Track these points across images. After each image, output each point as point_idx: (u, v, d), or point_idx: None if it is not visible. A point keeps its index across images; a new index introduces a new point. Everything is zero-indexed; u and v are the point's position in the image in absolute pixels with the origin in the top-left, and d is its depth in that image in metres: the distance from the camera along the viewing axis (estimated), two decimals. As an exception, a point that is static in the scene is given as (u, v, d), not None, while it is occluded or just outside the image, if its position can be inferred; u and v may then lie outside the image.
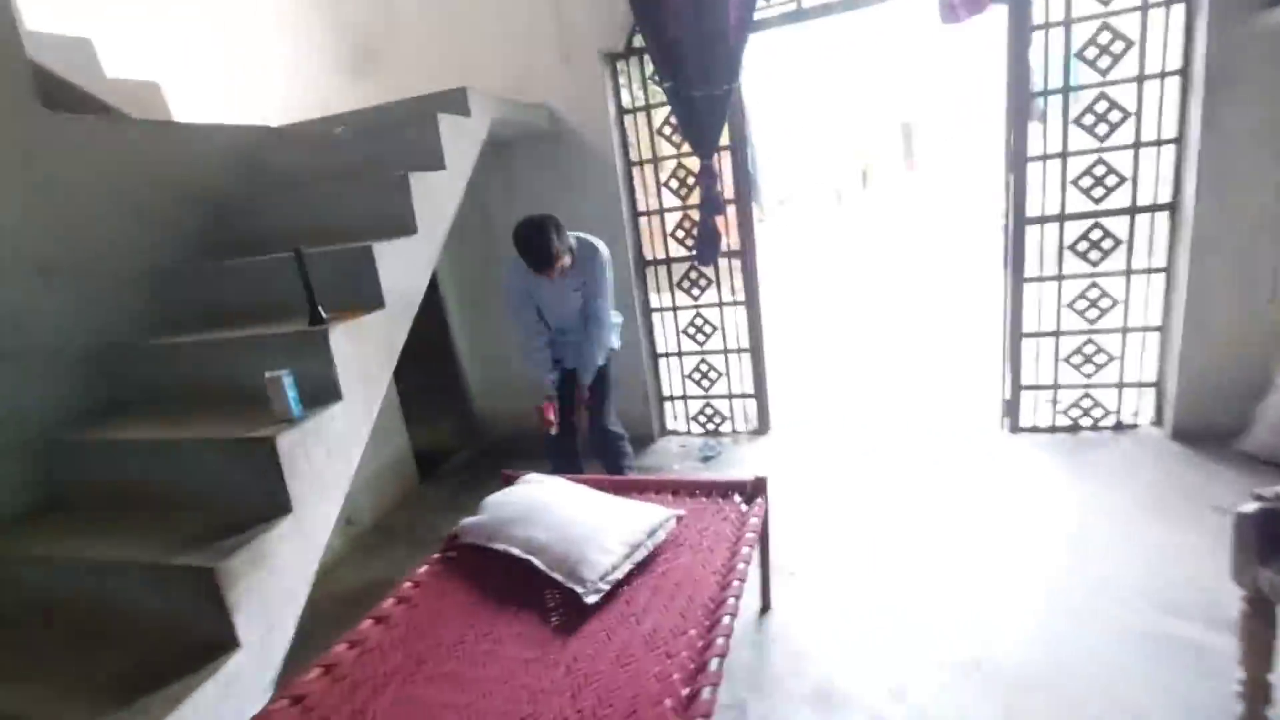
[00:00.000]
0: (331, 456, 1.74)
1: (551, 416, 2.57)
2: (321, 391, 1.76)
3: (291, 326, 1.83)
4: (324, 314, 1.80)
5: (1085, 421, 2.92)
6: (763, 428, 3.42)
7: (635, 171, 3.24)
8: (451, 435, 3.81)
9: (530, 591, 1.69)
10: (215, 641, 1.47)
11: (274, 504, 1.61)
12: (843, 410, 3.57)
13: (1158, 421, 2.81)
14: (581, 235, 2.47)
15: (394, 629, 1.65)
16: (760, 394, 3.40)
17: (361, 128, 2.63)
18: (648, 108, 3.17)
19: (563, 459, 2.66)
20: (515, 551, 1.76)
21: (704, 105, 2.83)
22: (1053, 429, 2.95)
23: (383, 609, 1.72)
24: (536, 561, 1.71)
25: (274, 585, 1.57)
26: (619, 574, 1.69)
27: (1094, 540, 2.20)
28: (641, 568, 1.75)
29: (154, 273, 2.20)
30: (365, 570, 2.65)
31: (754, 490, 2.08)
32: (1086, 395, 2.91)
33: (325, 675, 1.49)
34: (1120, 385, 2.85)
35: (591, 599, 1.61)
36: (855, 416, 3.47)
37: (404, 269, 2.02)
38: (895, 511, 2.54)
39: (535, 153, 3.22)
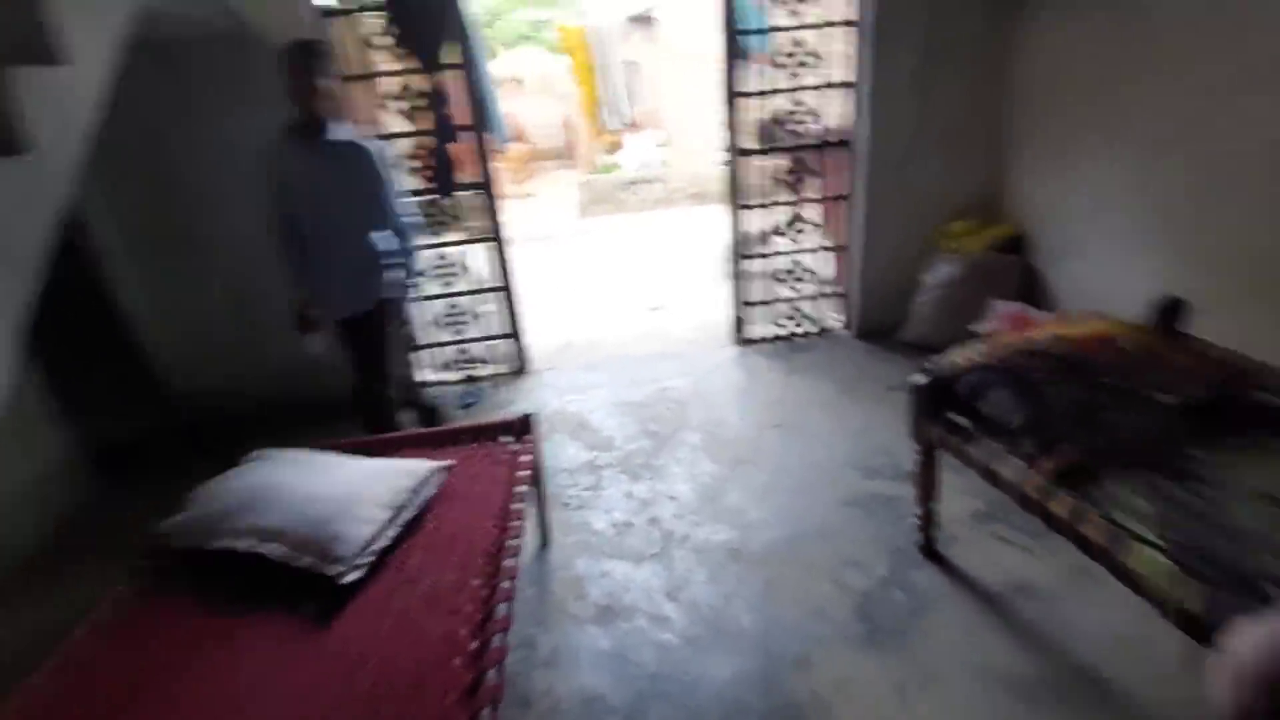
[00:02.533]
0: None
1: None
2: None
3: None
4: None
5: (797, 330, 3.41)
6: (522, 368, 3.36)
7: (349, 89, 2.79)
8: (136, 421, 3.03)
9: (277, 585, 1.43)
10: None
11: None
12: (598, 343, 3.67)
13: (847, 325, 3.41)
14: None
15: (85, 674, 1.27)
16: (516, 333, 3.32)
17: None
18: (359, 10, 2.73)
19: (374, 415, 2.29)
20: (240, 547, 1.45)
21: (418, 7, 2.53)
22: (774, 340, 3.40)
23: (65, 654, 1.31)
24: (271, 553, 1.43)
25: None
26: (384, 541, 1.51)
27: (807, 428, 2.61)
28: (411, 528, 1.59)
29: None
30: (33, 615, 2.01)
31: (522, 428, 2.02)
32: (795, 308, 3.39)
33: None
34: (818, 297, 3.38)
35: (353, 577, 1.41)
36: (609, 347, 3.59)
37: (11, 206, 1.45)
38: (650, 427, 2.71)
39: (213, 61, 2.58)
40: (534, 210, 7.56)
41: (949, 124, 2.94)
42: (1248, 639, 0.95)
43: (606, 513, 2.24)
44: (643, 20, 7.84)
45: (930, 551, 1.90)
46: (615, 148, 8.10)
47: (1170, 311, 1.82)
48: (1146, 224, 2.32)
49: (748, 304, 3.36)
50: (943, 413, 1.70)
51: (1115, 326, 1.79)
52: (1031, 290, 2.86)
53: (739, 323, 3.40)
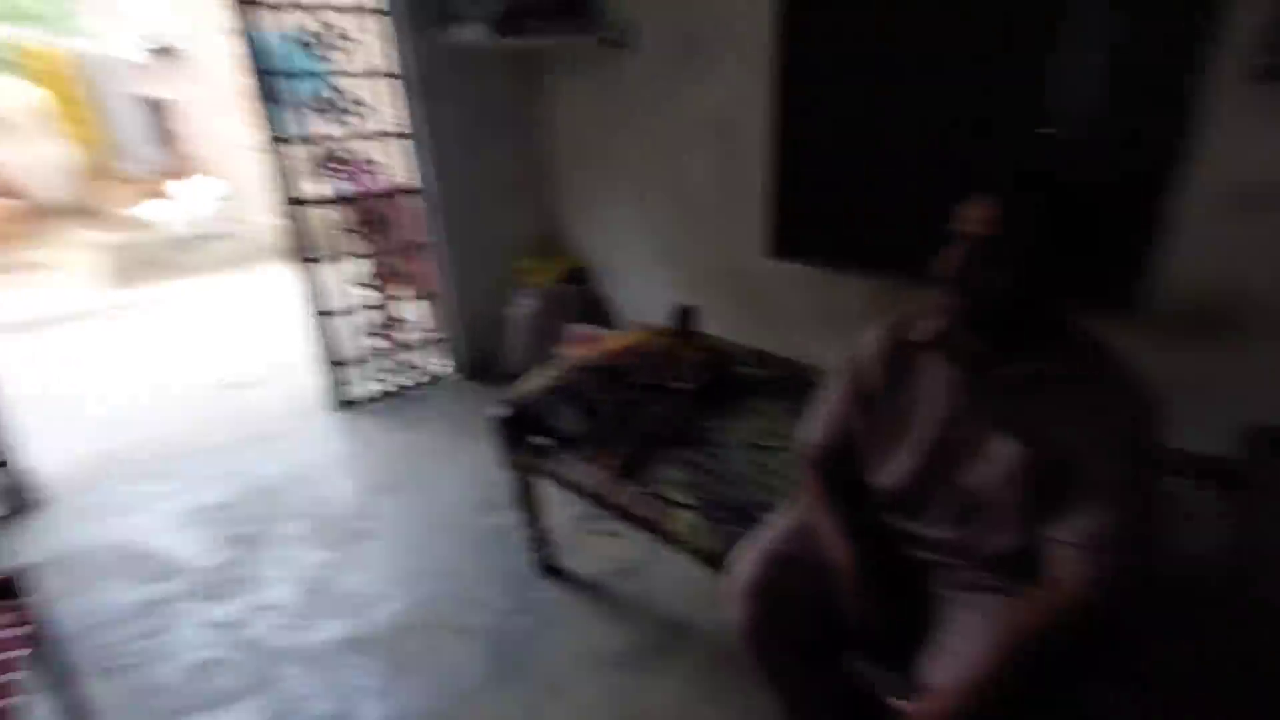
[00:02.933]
0: None
1: None
2: None
3: None
4: None
5: (406, 383, 3.29)
6: (23, 505, 2.45)
7: None
8: None
9: None
10: None
11: None
12: (157, 442, 2.93)
13: (458, 369, 3.44)
14: None
15: None
16: (3, 460, 2.42)
17: None
18: None
19: None
20: None
21: None
22: (381, 397, 3.22)
23: None
24: None
25: None
26: None
27: (423, 481, 2.54)
28: None
29: None
30: None
31: (6, 591, 1.45)
32: (398, 361, 3.27)
33: None
34: (422, 345, 3.33)
35: None
36: (174, 445, 2.90)
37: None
38: (236, 531, 2.28)
39: None
40: (44, 285, 5.70)
41: (507, 173, 3.22)
42: (741, 559, 1.25)
43: (177, 658, 1.78)
44: (167, 53, 6.65)
45: (547, 568, 2.02)
46: (155, 199, 6.65)
47: (684, 316, 2.30)
48: (655, 249, 2.92)
49: (339, 364, 3.10)
50: (525, 437, 1.82)
51: (645, 335, 2.18)
52: (598, 312, 3.33)
53: (335, 386, 3.12)
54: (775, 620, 1.11)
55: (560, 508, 2.15)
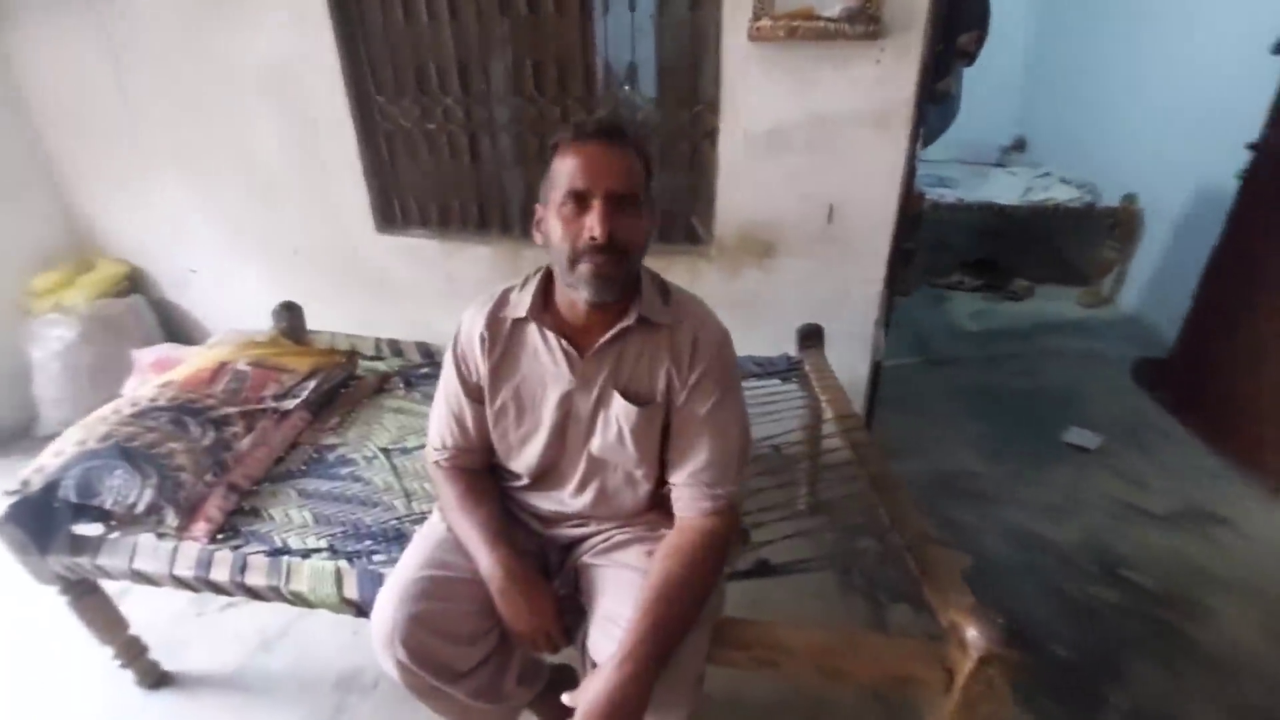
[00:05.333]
0: None
1: None
2: None
3: None
4: None
5: None
6: None
7: None
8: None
9: None
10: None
11: None
12: None
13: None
14: None
15: None
16: None
17: None
18: None
19: None
20: None
21: None
22: None
23: None
24: None
25: None
26: None
27: None
28: None
29: None
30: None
31: None
32: None
33: None
34: None
35: None
36: None
37: None
38: None
39: None
40: None
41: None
42: (381, 602, 1.07)
43: None
44: None
45: (155, 680, 1.54)
46: None
47: (287, 315, 1.92)
48: (233, 237, 2.38)
49: None
50: (65, 532, 1.30)
51: (239, 346, 1.74)
52: (175, 327, 2.62)
53: None
54: (435, 660, 0.97)
55: (157, 596, 1.65)
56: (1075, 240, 3.72)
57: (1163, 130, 3.09)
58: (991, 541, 1.89)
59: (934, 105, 2.17)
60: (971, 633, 0.85)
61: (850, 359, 1.96)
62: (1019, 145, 4.51)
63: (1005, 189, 3.63)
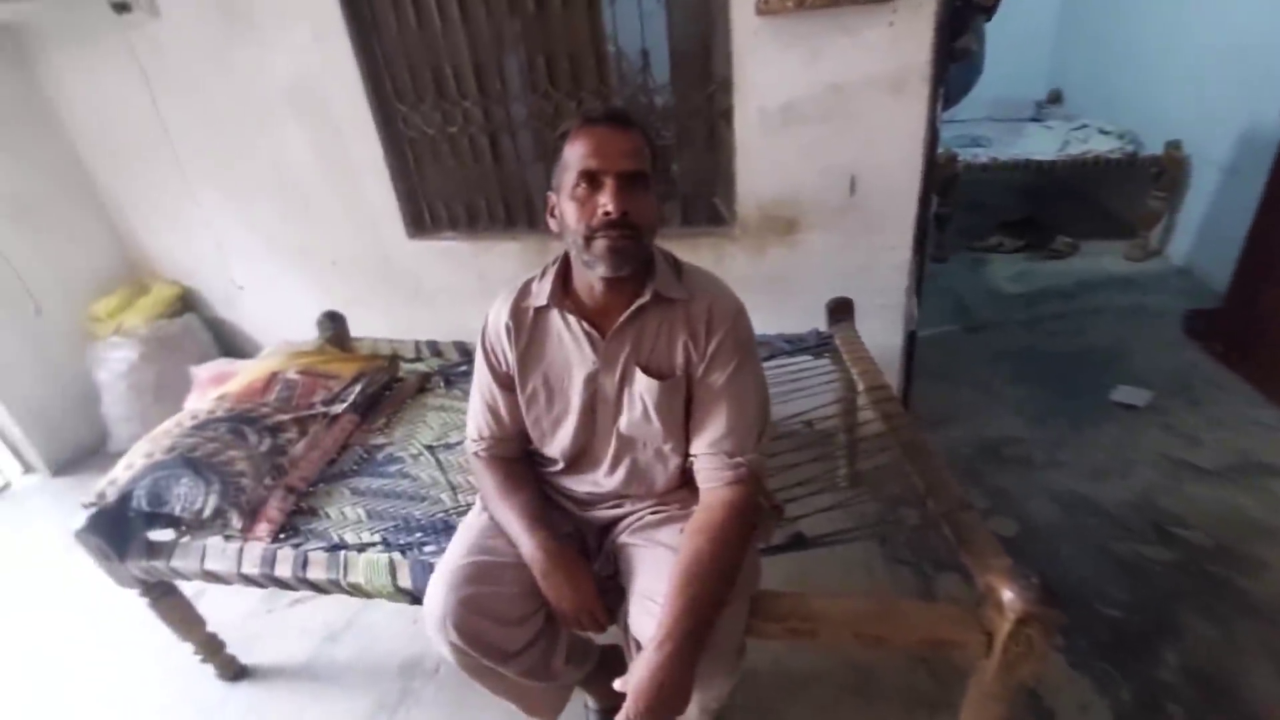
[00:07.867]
0: None
1: None
2: None
3: None
4: None
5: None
6: None
7: None
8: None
9: None
10: None
11: None
12: None
13: (28, 469, 2.54)
14: None
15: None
16: None
17: None
18: None
19: None
20: None
21: None
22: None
23: None
24: None
25: None
26: None
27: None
28: None
29: None
30: None
31: None
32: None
33: None
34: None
35: None
36: None
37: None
38: None
39: None
40: None
41: (23, 193, 2.37)
42: (432, 588, 1.12)
43: None
44: None
45: (235, 673, 1.64)
46: None
47: (331, 324, 2.00)
48: (274, 250, 2.48)
49: None
50: (141, 538, 1.40)
51: (289, 356, 1.82)
52: (228, 342, 2.75)
53: None
54: (485, 641, 1.02)
55: (229, 596, 1.76)
56: (1118, 193, 3.56)
57: (1206, 73, 2.93)
58: (1038, 506, 1.86)
59: (954, 64, 2.11)
60: (1007, 594, 0.85)
61: (884, 330, 1.94)
62: (1054, 98, 4.32)
63: (1042, 144, 3.49)
